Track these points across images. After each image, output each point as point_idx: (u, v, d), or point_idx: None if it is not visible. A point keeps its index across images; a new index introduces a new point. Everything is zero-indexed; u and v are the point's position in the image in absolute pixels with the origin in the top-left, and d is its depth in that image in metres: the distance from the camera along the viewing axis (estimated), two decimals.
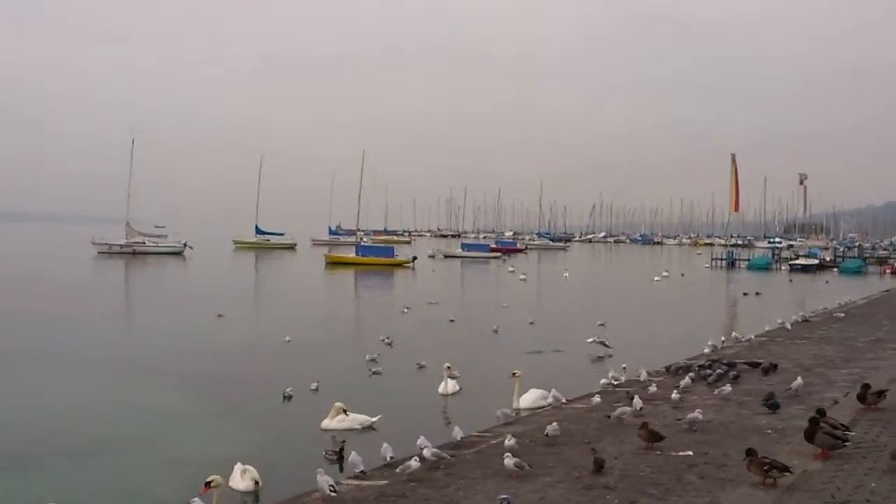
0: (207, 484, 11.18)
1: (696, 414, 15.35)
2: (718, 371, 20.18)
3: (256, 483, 13.53)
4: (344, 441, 13.46)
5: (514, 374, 19.82)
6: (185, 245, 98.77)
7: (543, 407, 18.66)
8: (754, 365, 21.95)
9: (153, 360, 26.81)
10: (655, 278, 71.07)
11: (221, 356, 27.69)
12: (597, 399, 18.26)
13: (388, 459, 13.17)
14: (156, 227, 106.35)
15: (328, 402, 18.36)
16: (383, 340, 30.58)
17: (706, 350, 26.23)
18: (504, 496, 10.46)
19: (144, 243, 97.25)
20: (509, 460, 11.99)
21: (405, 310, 41.66)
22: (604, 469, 12.14)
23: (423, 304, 44.73)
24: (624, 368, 22.49)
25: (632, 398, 16.85)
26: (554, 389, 18.94)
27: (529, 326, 37.37)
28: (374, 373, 24.47)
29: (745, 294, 58.32)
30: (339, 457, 14.91)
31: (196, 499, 11.03)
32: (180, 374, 24.35)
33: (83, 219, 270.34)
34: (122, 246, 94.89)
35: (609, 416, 15.72)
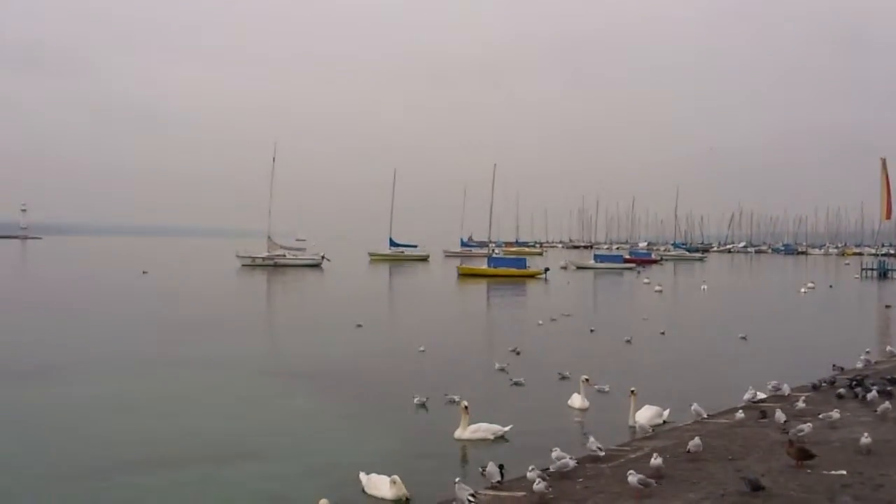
0: None
1: (805, 426, 14.73)
2: (877, 387, 19.11)
3: (407, 500, 13.39)
4: (501, 465, 13.01)
5: (631, 392, 19.20)
6: (322, 257, 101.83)
7: (659, 425, 18.08)
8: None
9: (294, 367, 27.65)
10: (801, 290, 68.03)
11: (359, 365, 28.26)
12: (740, 414, 17.62)
13: (496, 482, 12.75)
14: (297, 239, 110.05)
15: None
16: (513, 350, 30.69)
17: (858, 365, 24.95)
18: None
19: (285, 256, 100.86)
20: (633, 477, 11.65)
21: (539, 322, 41.45)
22: (761, 490, 11.50)
23: (556, 316, 44.38)
24: (773, 386, 21.59)
25: (770, 413, 16.23)
26: (695, 404, 18.40)
27: (661, 337, 36.62)
28: (515, 383, 24.39)
29: (887, 306, 54.92)
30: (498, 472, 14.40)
31: (324, 500, 11.14)
32: (319, 381, 25.00)
33: (228, 233, 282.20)
34: (264, 258, 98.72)
35: (786, 432, 14.92)
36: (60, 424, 19.39)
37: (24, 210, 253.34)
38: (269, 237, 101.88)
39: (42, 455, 16.78)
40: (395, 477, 13.46)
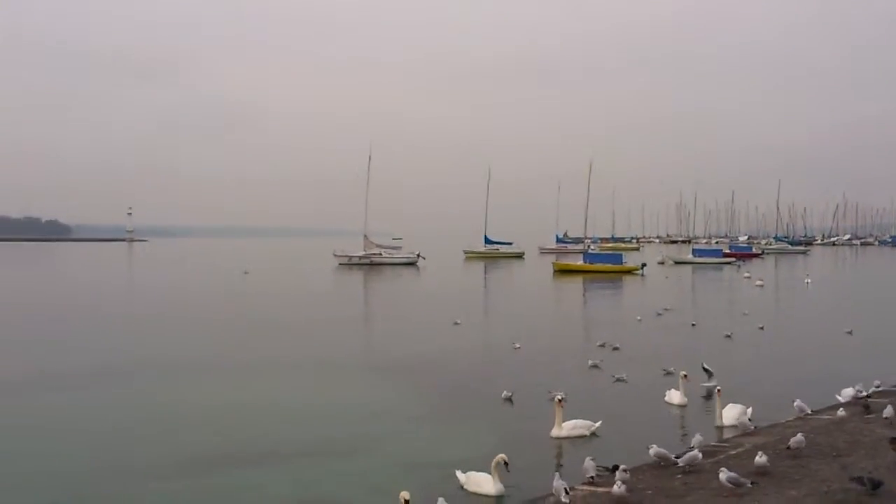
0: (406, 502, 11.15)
1: None
2: None
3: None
4: (616, 467, 12.91)
5: (717, 390, 18.92)
6: (418, 256, 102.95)
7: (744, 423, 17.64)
8: None
9: (392, 365, 28.13)
10: None
11: (456, 362, 28.56)
12: (841, 412, 17.21)
13: (590, 478, 12.73)
14: (393, 238, 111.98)
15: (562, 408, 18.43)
16: (604, 345, 30.92)
17: None
18: None
19: (381, 254, 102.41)
20: (723, 475, 11.51)
21: (638, 318, 41.02)
22: (880, 489, 11.17)
23: (661, 311, 43.84)
24: (878, 382, 20.97)
25: (876, 409, 15.78)
26: (798, 400, 18.04)
27: (761, 332, 35.92)
28: (618, 379, 24.34)
29: None
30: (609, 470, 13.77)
31: (441, 498, 11.37)
32: (418, 378, 25.39)
33: (326, 233, 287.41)
34: (360, 257, 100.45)
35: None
36: (160, 422, 20.22)
37: (129, 213, 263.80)
38: (365, 236, 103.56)
39: (139, 450, 17.58)
40: (502, 456, 13.55)
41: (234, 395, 23.28)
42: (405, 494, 10.68)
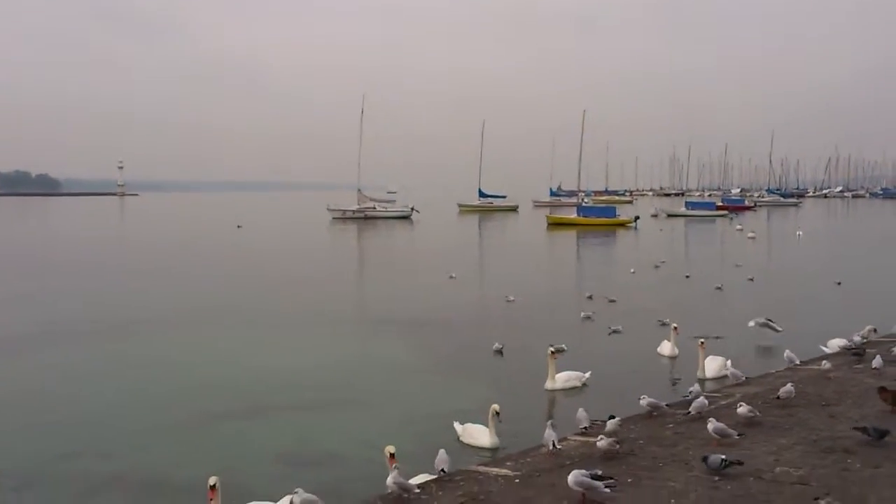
0: (392, 455, 10.63)
1: None
2: None
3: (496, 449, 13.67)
4: (612, 418, 13.06)
5: (700, 342, 18.90)
6: (412, 209, 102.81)
7: (725, 376, 17.72)
8: None
9: (388, 318, 28.28)
10: None
11: (452, 315, 28.73)
12: (830, 363, 17.42)
13: (583, 428, 12.76)
14: (388, 192, 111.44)
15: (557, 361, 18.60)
16: (592, 297, 31.50)
17: None
18: (722, 457, 10.29)
19: (374, 208, 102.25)
20: (711, 426, 11.68)
21: (632, 271, 41.17)
22: (887, 438, 11.22)
23: (650, 265, 44.03)
24: (874, 330, 21.23)
25: (866, 358, 16.00)
26: (787, 350, 18.18)
27: (752, 284, 36.30)
28: (614, 331, 24.59)
29: None
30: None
31: (442, 450, 11.43)
32: (413, 331, 25.57)
33: (319, 186, 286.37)
34: (354, 211, 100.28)
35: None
36: (165, 374, 20.41)
37: (120, 167, 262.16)
38: (359, 190, 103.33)
39: (149, 402, 17.75)
40: (495, 406, 13.67)
41: (228, 349, 23.44)
42: (390, 448, 10.62)
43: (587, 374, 18.37)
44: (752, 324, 23.35)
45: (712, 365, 18.46)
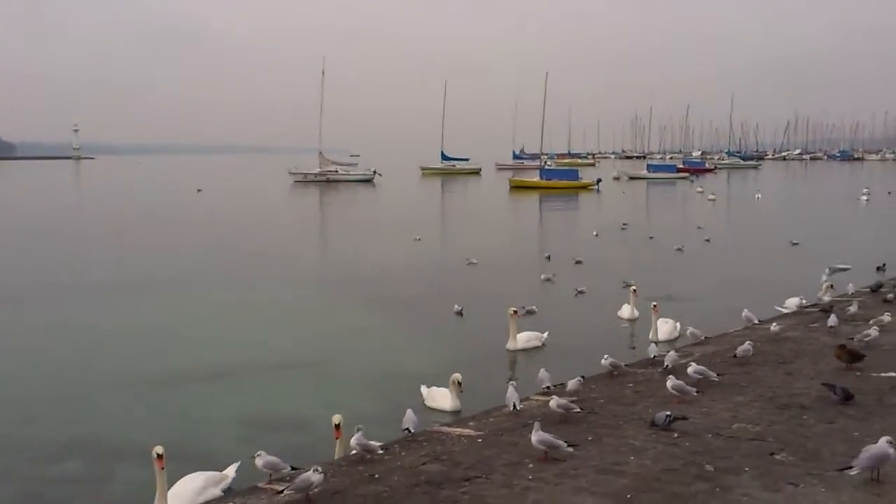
0: (338, 427, 10.47)
1: (872, 331, 14.84)
2: None
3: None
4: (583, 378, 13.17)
5: (653, 306, 18.94)
6: (374, 172, 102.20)
7: (676, 339, 18.04)
8: None
9: (353, 280, 28.28)
10: (862, 198, 65.92)
11: (415, 278, 28.81)
12: (790, 320, 17.73)
13: (546, 388, 12.74)
14: (351, 155, 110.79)
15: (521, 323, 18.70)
16: (549, 257, 31.99)
17: None
18: (667, 413, 10.46)
19: (336, 172, 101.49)
20: (671, 382, 11.84)
21: (595, 233, 41.38)
22: (853, 400, 11.30)
23: (610, 228, 44.29)
24: (830, 287, 21.67)
25: (823, 317, 16.32)
26: (746, 310, 18.47)
27: (713, 245, 36.83)
28: (579, 292, 24.83)
29: None
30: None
31: (409, 410, 11.44)
32: (378, 294, 25.54)
33: (280, 150, 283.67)
34: (315, 175, 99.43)
35: (853, 339, 14.71)
36: (124, 339, 20.21)
37: (76, 130, 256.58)
38: (320, 153, 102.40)
39: (108, 368, 17.59)
40: (457, 375, 13.70)
41: (190, 313, 23.29)
42: (336, 418, 10.50)
43: (545, 335, 18.57)
44: (824, 277, 23.91)
45: (664, 327, 18.70)
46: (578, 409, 11.20)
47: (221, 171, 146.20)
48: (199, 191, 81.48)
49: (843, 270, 25.26)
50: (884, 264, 26.81)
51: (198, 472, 10.25)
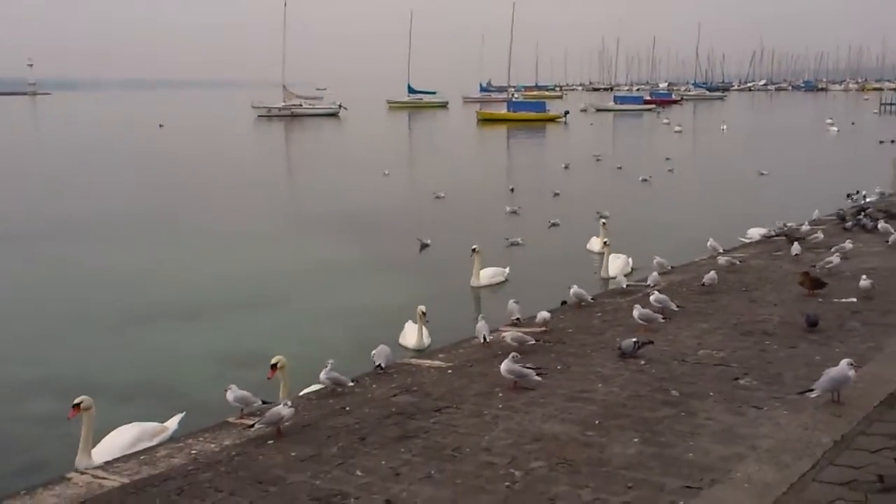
0: (273, 367, 10.01)
1: (834, 258, 15.14)
2: (872, 220, 19.56)
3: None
4: (564, 303, 13.31)
5: (604, 243, 18.98)
6: (339, 106, 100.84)
7: (629, 274, 17.88)
8: None
9: (321, 215, 28.20)
10: (833, 128, 66.25)
11: (384, 212, 28.75)
12: (753, 249, 17.95)
13: (515, 319, 12.79)
14: (317, 89, 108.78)
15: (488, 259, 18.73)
16: (513, 190, 32.38)
17: (873, 198, 25.18)
18: (634, 339, 10.60)
19: (301, 105, 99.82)
20: (637, 311, 11.96)
21: (564, 166, 41.37)
22: (818, 326, 11.41)
23: (579, 160, 44.27)
24: (784, 225, 21.88)
25: (786, 245, 16.56)
26: (711, 239, 18.62)
27: (679, 176, 37.14)
28: (553, 224, 25.02)
29: (881, 142, 54.20)
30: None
31: (382, 345, 11.34)
32: (347, 228, 25.48)
33: (242, 83, 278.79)
34: (280, 109, 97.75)
35: (815, 266, 14.95)
36: (94, 279, 20.07)
37: (30, 65, 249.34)
38: (284, 87, 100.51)
39: (78, 307, 17.47)
40: (422, 307, 13.58)
41: (159, 251, 23.06)
42: (275, 359, 10.03)
43: (507, 269, 18.65)
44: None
45: (615, 263, 18.59)
46: (533, 341, 11.24)
47: (184, 106, 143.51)
48: (160, 126, 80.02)
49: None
50: (857, 191, 27.05)
51: (133, 424, 9.58)
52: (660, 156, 46.13)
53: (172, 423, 9.85)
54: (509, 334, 11.28)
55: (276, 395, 9.72)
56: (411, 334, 13.83)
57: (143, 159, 50.06)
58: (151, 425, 9.64)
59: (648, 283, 14.63)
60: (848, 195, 26.41)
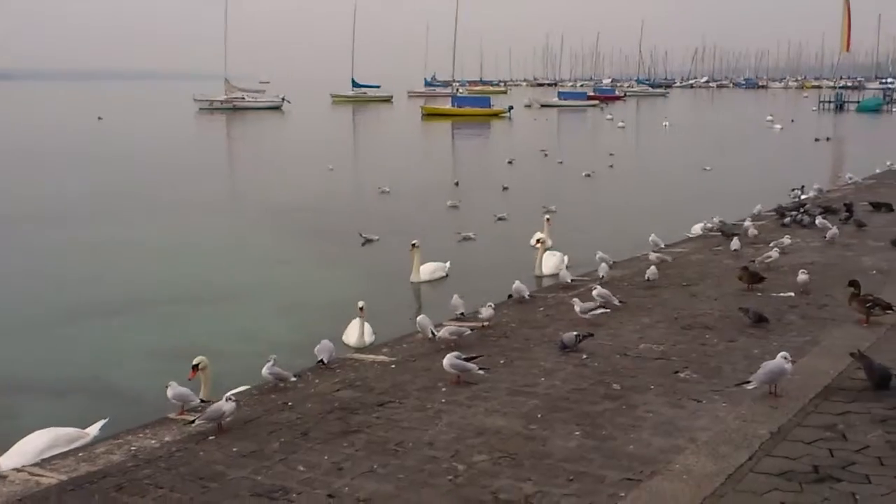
0: (195, 367, 9.88)
1: (773, 253, 15.45)
2: (809, 216, 20.03)
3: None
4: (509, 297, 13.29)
5: (537, 241, 18.54)
6: (283, 100, 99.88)
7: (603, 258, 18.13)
8: (878, 206, 21.88)
9: (264, 209, 27.88)
10: (777, 126, 67.60)
11: (328, 207, 28.55)
12: (694, 244, 18.24)
13: (459, 314, 12.68)
14: (260, 82, 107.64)
15: (426, 254, 18.65)
16: (458, 184, 32.46)
17: (811, 194, 25.73)
18: (577, 332, 10.69)
19: (244, 98, 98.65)
20: (578, 306, 12.05)
21: (509, 161, 41.52)
22: (763, 319, 11.53)
23: (525, 154, 44.47)
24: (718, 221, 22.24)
25: (726, 241, 16.89)
26: (653, 234, 18.80)
27: (622, 171, 37.59)
28: (500, 219, 25.15)
29: (816, 140, 55.67)
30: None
31: (325, 340, 11.15)
32: (289, 222, 25.27)
33: (183, 76, 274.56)
34: (222, 102, 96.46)
35: (754, 261, 15.19)
36: (26, 270, 19.56)
37: None
38: (226, 79, 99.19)
39: (12, 299, 17.03)
40: (362, 303, 13.28)
41: (95, 243, 22.58)
42: (197, 359, 9.88)
43: (448, 264, 18.48)
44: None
45: (550, 261, 18.33)
46: (469, 332, 11.23)
47: (122, 98, 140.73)
48: (99, 119, 78.42)
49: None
50: (802, 186, 27.60)
51: (48, 429, 8.97)
52: (604, 151, 46.61)
53: (94, 430, 9.27)
54: (445, 329, 11.26)
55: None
56: (353, 332, 13.48)
57: (79, 152, 48.96)
58: (68, 431, 9.05)
59: (600, 274, 14.92)
60: (793, 190, 26.86)
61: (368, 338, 13.36)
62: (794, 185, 27.45)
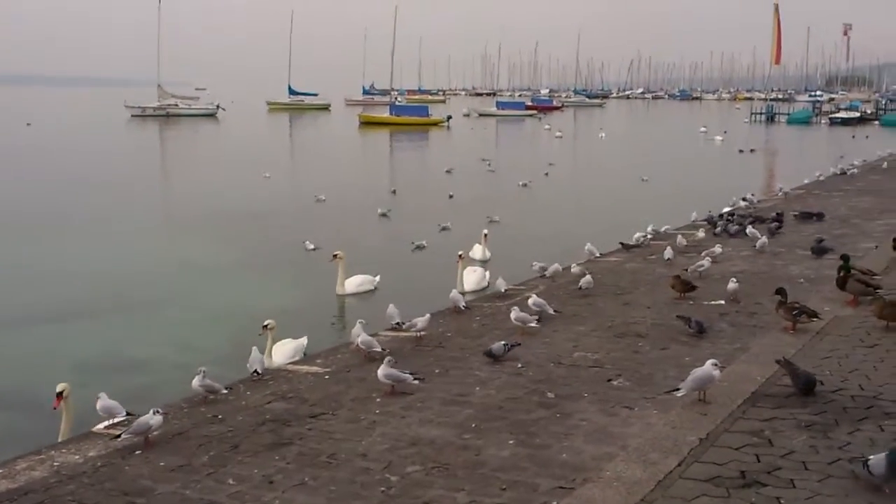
0: (59, 395, 9.27)
1: (705, 262, 15.75)
2: (737, 225, 20.52)
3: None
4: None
5: (459, 256, 17.91)
6: (217, 107, 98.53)
7: (485, 288, 17.73)
8: (808, 215, 22.46)
9: (198, 218, 27.52)
10: (717, 138, 68.71)
11: (263, 215, 28.22)
12: (628, 254, 18.50)
13: (395, 324, 12.60)
14: (196, 88, 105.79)
15: (355, 264, 18.56)
16: (395, 192, 32.88)
17: (742, 203, 26.28)
18: (505, 342, 10.74)
19: (177, 105, 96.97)
20: (514, 314, 12.10)
21: (447, 170, 41.55)
22: (704, 330, 11.57)
23: (462, 164, 44.56)
24: (655, 230, 22.57)
25: (659, 251, 17.11)
26: (589, 244, 19.00)
27: (560, 180, 38.02)
28: (444, 228, 25.19)
29: (740, 151, 57.09)
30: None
31: (255, 348, 10.95)
32: (223, 231, 24.96)
33: (114, 82, 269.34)
34: (154, 108, 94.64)
35: (686, 270, 15.35)
36: None
37: None
38: (158, 86, 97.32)
39: None
40: (270, 321, 12.74)
41: (23, 252, 21.95)
42: (61, 386, 9.33)
43: (377, 278, 18.17)
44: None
45: (471, 277, 18.21)
46: (380, 349, 10.92)
47: (50, 104, 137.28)
48: (28, 125, 76.40)
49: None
50: (752, 194, 28.10)
51: None
52: (542, 161, 46.99)
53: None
54: (362, 337, 11.09)
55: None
56: (279, 351, 12.77)
57: (6, 159, 47.58)
58: None
59: (547, 274, 15.98)
60: (743, 199, 27.18)
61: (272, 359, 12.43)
62: (731, 195, 28.02)
